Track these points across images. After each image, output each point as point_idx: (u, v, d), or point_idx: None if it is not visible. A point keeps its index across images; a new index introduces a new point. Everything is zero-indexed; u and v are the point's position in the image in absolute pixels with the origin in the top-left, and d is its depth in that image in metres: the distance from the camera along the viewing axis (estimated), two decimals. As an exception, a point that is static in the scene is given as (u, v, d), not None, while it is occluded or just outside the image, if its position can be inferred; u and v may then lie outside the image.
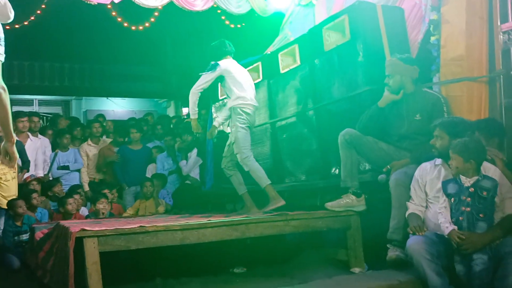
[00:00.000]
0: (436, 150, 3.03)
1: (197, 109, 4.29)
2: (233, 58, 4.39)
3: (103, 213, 5.22)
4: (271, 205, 3.96)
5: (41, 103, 13.26)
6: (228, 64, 4.23)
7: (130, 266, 3.81)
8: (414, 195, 3.13)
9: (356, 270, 3.40)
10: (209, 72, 4.17)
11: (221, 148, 4.80)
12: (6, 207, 4.85)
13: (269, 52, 5.27)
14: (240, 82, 4.20)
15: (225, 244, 3.68)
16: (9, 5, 2.30)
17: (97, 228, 2.83)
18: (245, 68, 4.89)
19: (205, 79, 4.18)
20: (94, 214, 5.27)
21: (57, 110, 12.96)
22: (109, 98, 13.44)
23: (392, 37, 3.92)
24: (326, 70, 4.30)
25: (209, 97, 5.89)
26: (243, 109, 4.15)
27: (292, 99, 4.78)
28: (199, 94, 4.22)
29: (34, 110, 11.40)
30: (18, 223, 4.80)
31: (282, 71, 4.86)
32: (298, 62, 4.65)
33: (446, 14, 3.70)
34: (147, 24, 7.71)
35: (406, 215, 3.13)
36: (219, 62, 4.21)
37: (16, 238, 4.76)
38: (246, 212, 4.06)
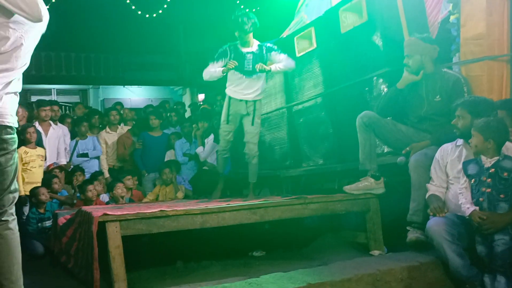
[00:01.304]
0: (458, 130, 2.98)
1: (217, 68, 4.40)
2: (256, 30, 4.40)
3: (122, 197, 5.29)
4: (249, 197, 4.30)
5: (59, 92, 13.43)
6: None
7: (152, 250, 3.88)
8: (435, 176, 3.10)
9: (376, 252, 3.40)
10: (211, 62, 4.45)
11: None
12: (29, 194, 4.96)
13: (284, 36, 5.23)
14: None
15: (244, 228, 3.72)
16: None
17: (119, 213, 2.87)
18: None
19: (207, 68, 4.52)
20: (114, 200, 5.35)
21: (75, 99, 13.12)
22: (125, 86, 13.54)
23: (411, 17, 3.85)
24: (343, 52, 4.26)
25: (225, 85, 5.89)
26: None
27: (308, 83, 4.75)
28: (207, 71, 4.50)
29: (50, 99, 11.56)
30: (41, 210, 4.90)
31: (298, 55, 4.82)
32: (315, 45, 4.61)
33: (466, -8, 3.61)
34: (160, 11, 7.71)
35: (426, 197, 3.10)
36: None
37: (39, 224, 4.86)
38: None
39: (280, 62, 4.43)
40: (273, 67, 4.39)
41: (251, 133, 4.56)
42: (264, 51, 4.41)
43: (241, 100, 4.47)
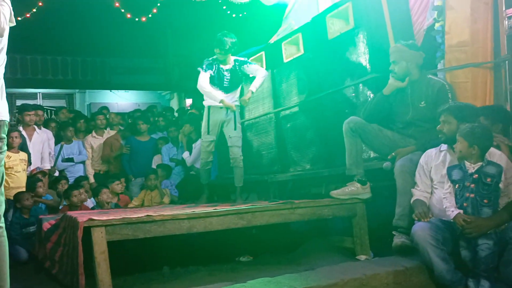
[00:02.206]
0: (444, 135, 3.02)
1: (215, 92, 4.60)
2: (235, 49, 4.63)
3: (107, 203, 5.25)
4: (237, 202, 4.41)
5: (45, 96, 13.31)
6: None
7: (138, 256, 3.84)
8: (419, 181, 3.14)
9: (362, 257, 3.41)
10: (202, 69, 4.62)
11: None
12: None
13: (272, 42, 5.26)
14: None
15: (231, 234, 3.71)
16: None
17: (104, 218, 2.85)
18: (248, 58, 4.91)
19: (200, 76, 4.61)
20: (99, 206, 5.30)
21: (61, 103, 13.02)
22: (112, 91, 13.47)
23: (397, 24, 3.90)
24: (330, 58, 4.29)
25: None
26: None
27: (296, 88, 4.77)
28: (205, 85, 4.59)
29: (35, 104, 11.47)
30: (25, 215, 4.83)
31: (285, 60, 4.85)
32: (302, 51, 4.64)
33: (451, 0, 3.67)
34: (150, 15, 7.70)
35: (411, 202, 3.13)
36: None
37: (23, 230, 4.79)
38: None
39: (252, 73, 4.76)
40: (253, 89, 4.68)
41: (235, 137, 4.73)
42: (238, 66, 4.71)
43: (221, 108, 4.66)
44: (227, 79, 4.66)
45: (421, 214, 2.97)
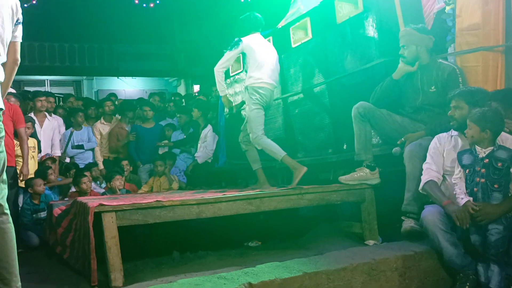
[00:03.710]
0: (455, 121, 2.97)
1: (224, 85, 4.33)
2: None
3: (119, 190, 5.30)
4: (296, 176, 3.85)
5: (53, 83, 13.36)
6: (250, 41, 4.16)
7: (148, 241, 3.89)
8: (431, 160, 3.03)
9: (371, 242, 3.42)
10: (232, 49, 4.15)
11: (233, 124, 4.81)
12: (24, 186, 4.94)
13: (280, 27, 5.21)
14: (259, 60, 4.14)
15: (240, 219, 3.73)
16: None
17: (115, 203, 2.87)
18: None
19: (227, 56, 4.15)
20: (111, 191, 5.35)
21: (69, 90, 13.06)
22: (119, 77, 13.48)
23: (406, 7, 3.84)
24: (339, 43, 4.25)
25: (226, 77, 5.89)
26: (256, 88, 4.10)
27: (304, 74, 4.74)
28: (223, 71, 4.22)
29: (46, 91, 11.51)
30: (36, 201, 4.89)
31: (293, 45, 4.81)
32: (310, 36, 4.59)
33: (462, -18, 3.61)
34: (157, 1, 7.65)
35: (424, 181, 3.01)
36: (242, 38, 4.16)
37: (34, 216, 4.86)
38: (259, 188, 4.08)
39: None
40: None
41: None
42: None
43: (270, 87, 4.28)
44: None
45: (463, 221, 2.71)
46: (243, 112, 4.60)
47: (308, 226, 4.00)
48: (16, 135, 4.75)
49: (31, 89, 9.04)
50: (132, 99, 9.71)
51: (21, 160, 4.91)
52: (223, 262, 3.11)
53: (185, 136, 6.54)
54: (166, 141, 6.51)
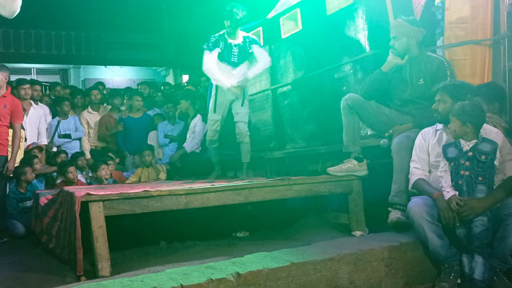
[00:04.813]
0: (439, 114, 3.00)
1: (221, 78, 4.46)
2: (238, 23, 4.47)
3: (106, 179, 5.26)
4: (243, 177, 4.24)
5: (39, 71, 13.16)
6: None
7: (136, 231, 3.88)
8: (417, 158, 3.09)
9: (358, 233, 3.45)
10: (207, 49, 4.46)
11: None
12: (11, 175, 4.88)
13: (270, 17, 5.19)
14: None
15: (228, 210, 3.73)
16: None
17: (102, 193, 2.85)
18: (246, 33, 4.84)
19: (205, 57, 4.46)
20: (97, 181, 5.30)
21: (55, 78, 12.86)
22: (107, 66, 13.32)
23: (396, 0, 3.85)
24: (329, 34, 4.25)
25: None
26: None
27: (294, 65, 4.74)
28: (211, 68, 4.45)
29: (32, 79, 11.33)
30: (22, 190, 4.84)
31: (283, 36, 4.80)
32: (300, 27, 4.59)
33: (452, -25, 3.61)
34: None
35: (413, 182, 3.07)
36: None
37: (20, 204, 4.81)
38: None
39: (256, 56, 4.58)
40: (250, 76, 4.55)
41: (241, 113, 4.66)
42: (248, 44, 4.56)
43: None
44: (234, 54, 4.51)
45: (449, 220, 2.75)
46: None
47: (296, 217, 4.02)
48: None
49: (17, 77, 8.89)
50: (120, 89, 9.61)
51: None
52: (211, 252, 3.11)
53: (172, 126, 6.49)
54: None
